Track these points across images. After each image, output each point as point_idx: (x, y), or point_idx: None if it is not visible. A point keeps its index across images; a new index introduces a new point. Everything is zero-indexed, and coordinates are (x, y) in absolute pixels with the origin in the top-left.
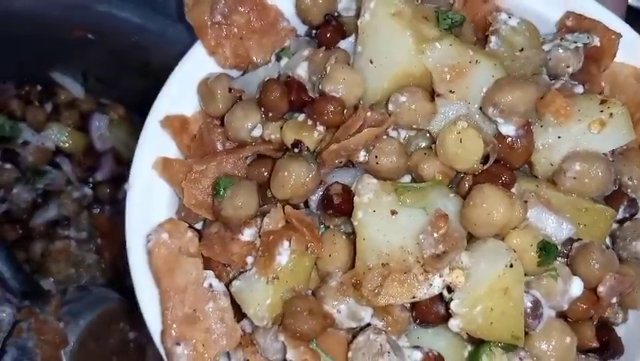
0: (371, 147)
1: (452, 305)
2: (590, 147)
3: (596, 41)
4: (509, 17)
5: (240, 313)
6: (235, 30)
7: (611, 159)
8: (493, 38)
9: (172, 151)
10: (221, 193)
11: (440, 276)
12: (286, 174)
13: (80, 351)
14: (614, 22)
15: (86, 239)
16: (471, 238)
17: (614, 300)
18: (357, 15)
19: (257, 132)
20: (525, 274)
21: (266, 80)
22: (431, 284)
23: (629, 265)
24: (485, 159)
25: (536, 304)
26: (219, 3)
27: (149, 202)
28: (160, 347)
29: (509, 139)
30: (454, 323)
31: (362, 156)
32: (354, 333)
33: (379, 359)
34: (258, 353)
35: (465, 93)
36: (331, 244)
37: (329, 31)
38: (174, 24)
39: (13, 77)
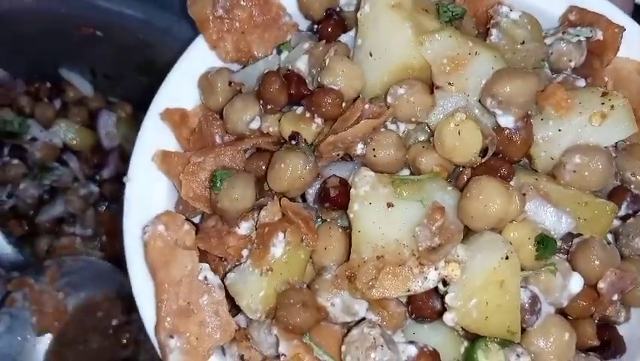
0: (369, 140)
1: (447, 298)
2: (590, 140)
3: (599, 35)
4: (511, 10)
5: (235, 309)
6: (237, 24)
7: (614, 155)
8: (494, 31)
9: (171, 144)
10: (218, 185)
11: (436, 269)
12: (283, 166)
13: (73, 323)
14: (618, 15)
15: (92, 236)
16: (468, 232)
17: (616, 297)
18: (358, 9)
19: (255, 125)
20: (523, 269)
21: (265, 72)
22: (426, 277)
23: (632, 262)
24: (484, 151)
25: (534, 299)
26: None
27: (147, 195)
28: (154, 339)
29: (508, 131)
30: (448, 317)
31: (360, 148)
32: (349, 328)
33: (372, 353)
34: (253, 348)
35: (464, 85)
36: (327, 237)
37: (330, 26)
38: (180, 21)
39: (23, 74)
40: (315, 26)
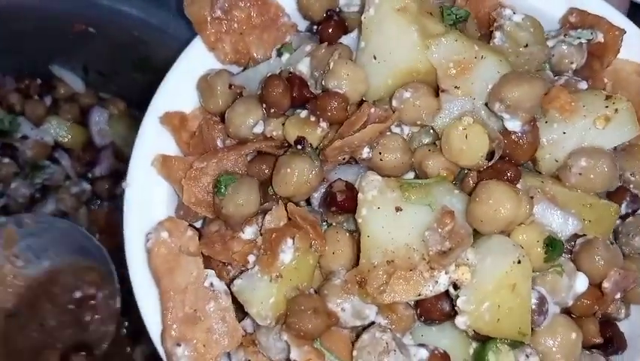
0: (375, 144)
1: (459, 302)
2: (595, 142)
3: (600, 37)
4: (513, 13)
5: (240, 313)
6: (235, 25)
7: (614, 155)
8: (497, 34)
9: (171, 148)
10: (222, 191)
11: (446, 273)
12: (289, 170)
13: (30, 299)
14: (618, 18)
15: None
16: (476, 235)
17: (619, 296)
18: (360, 11)
19: (258, 129)
20: (532, 271)
21: (268, 75)
22: (437, 281)
23: (632, 260)
24: (490, 155)
25: (542, 300)
26: None
27: (147, 200)
28: (159, 347)
29: (514, 135)
30: (460, 321)
31: (366, 152)
32: (358, 332)
33: (385, 358)
34: (260, 353)
35: (470, 89)
36: (335, 242)
37: (331, 27)
38: (176, 18)
39: (13, 71)
40: (315, 27)
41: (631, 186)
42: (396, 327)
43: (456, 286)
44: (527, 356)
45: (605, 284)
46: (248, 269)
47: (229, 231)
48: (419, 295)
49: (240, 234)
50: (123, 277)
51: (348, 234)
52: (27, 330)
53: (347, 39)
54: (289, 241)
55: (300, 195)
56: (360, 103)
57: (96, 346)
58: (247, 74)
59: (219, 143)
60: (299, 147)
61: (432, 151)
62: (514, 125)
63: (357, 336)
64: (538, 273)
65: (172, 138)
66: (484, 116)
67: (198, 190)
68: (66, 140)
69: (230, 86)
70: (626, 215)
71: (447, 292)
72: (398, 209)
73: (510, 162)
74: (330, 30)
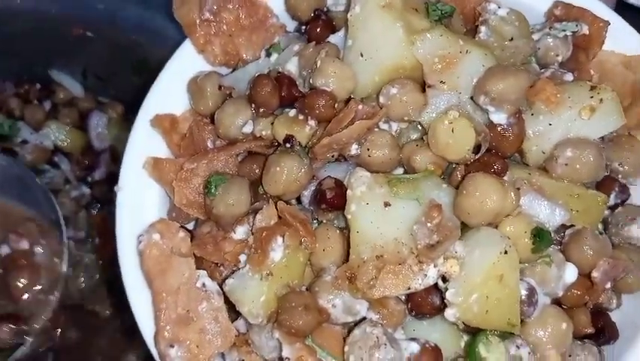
0: (363, 140)
1: (448, 295)
2: (581, 133)
3: (585, 29)
4: (498, 7)
5: (233, 313)
6: (224, 27)
7: (601, 145)
8: (482, 28)
9: (162, 151)
10: (212, 191)
11: (435, 266)
12: (278, 169)
13: None
14: (602, 10)
15: (84, 239)
16: (464, 228)
17: (609, 285)
18: (347, 9)
19: (248, 129)
20: (520, 262)
21: (256, 75)
22: (426, 275)
23: (622, 250)
24: (477, 148)
25: (531, 291)
26: (208, 0)
27: (139, 203)
28: (153, 349)
29: (500, 127)
30: (450, 313)
31: (354, 149)
32: (350, 328)
33: (376, 352)
34: (253, 352)
35: (456, 83)
36: (325, 239)
37: (319, 26)
38: (172, 21)
39: (12, 76)
40: (303, 27)
41: (619, 176)
42: (388, 322)
43: (445, 279)
44: (518, 347)
45: (595, 274)
46: (239, 269)
47: (221, 232)
48: (409, 288)
49: (231, 234)
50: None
51: (338, 231)
52: None
53: (335, 38)
54: (279, 239)
55: (290, 194)
56: (348, 100)
57: (30, 319)
58: (236, 75)
59: (209, 144)
60: (288, 145)
61: (419, 146)
62: (499, 117)
63: (349, 332)
64: (527, 264)
65: (163, 141)
66: (470, 109)
67: (189, 191)
68: (65, 144)
69: (219, 87)
70: (615, 205)
71: (437, 285)
72: (387, 204)
73: (497, 154)
74: (317, 29)
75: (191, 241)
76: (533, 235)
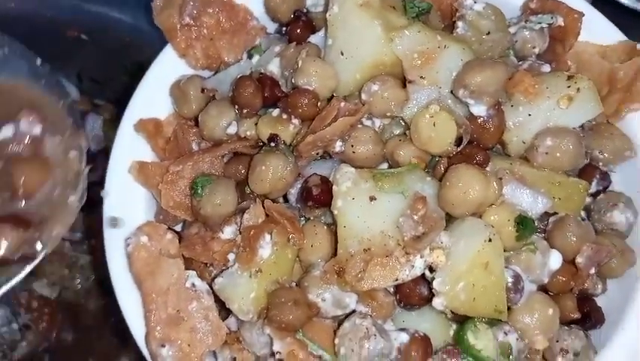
0: (347, 137)
1: (435, 284)
2: (560, 122)
3: (560, 21)
4: (475, 2)
5: (224, 312)
6: (205, 31)
7: (581, 134)
8: (459, 24)
9: (147, 155)
10: (199, 192)
11: (421, 257)
12: (264, 168)
13: None
14: (576, 1)
15: (80, 240)
16: (450, 219)
17: (593, 271)
18: (326, 10)
19: (232, 130)
20: (505, 250)
21: (238, 77)
22: (413, 265)
23: (605, 235)
24: (459, 140)
25: (517, 278)
26: (187, 5)
27: (126, 207)
28: (145, 350)
29: (481, 119)
30: (437, 302)
31: (338, 146)
32: (340, 321)
33: (365, 343)
34: (245, 349)
35: (435, 78)
36: (313, 235)
37: (299, 27)
38: None
39: None
40: (284, 29)
41: (600, 163)
42: (378, 314)
43: (432, 269)
44: (506, 334)
45: (579, 259)
46: (228, 268)
47: (209, 232)
48: (396, 279)
49: (219, 234)
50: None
51: (325, 227)
52: None
53: (315, 38)
54: (267, 236)
55: (276, 192)
56: (331, 99)
57: (43, 224)
58: (218, 77)
59: (194, 146)
60: (272, 144)
61: (402, 141)
62: (479, 110)
63: (339, 325)
64: (512, 252)
65: (148, 145)
66: (451, 103)
67: (176, 194)
68: None
69: (202, 90)
70: (597, 192)
71: (424, 276)
72: (372, 198)
73: (478, 146)
74: (298, 30)
75: (180, 242)
76: (517, 222)
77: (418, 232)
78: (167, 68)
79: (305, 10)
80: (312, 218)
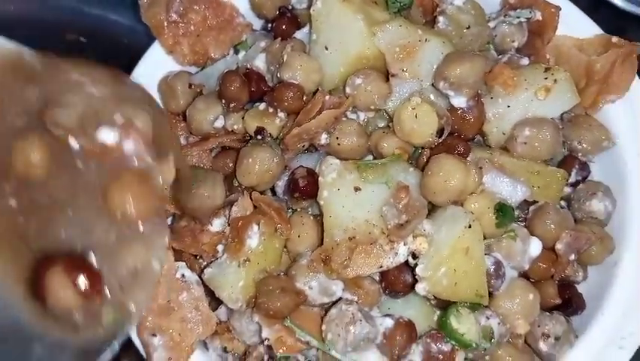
0: (332, 130)
1: (418, 270)
2: (538, 113)
3: (538, 15)
4: None
5: (214, 303)
6: (192, 28)
7: (561, 126)
8: (440, 18)
9: None
10: None
11: (405, 244)
12: (251, 160)
13: None
14: None
15: None
16: (432, 208)
17: (572, 257)
18: (310, 6)
19: (219, 124)
20: (485, 237)
21: (225, 72)
22: (397, 253)
23: (585, 224)
24: (440, 132)
25: (498, 265)
26: (174, 2)
27: None
28: (136, 339)
29: (461, 111)
30: (420, 287)
31: (324, 138)
32: (327, 308)
33: (351, 328)
34: (235, 339)
35: (417, 71)
36: (300, 226)
37: (284, 23)
38: None
39: None
40: (269, 25)
41: (579, 154)
42: (364, 302)
43: (415, 256)
44: (487, 318)
45: (558, 246)
46: (217, 259)
47: (198, 225)
48: (381, 266)
49: (208, 227)
50: None
51: (312, 218)
52: None
53: (300, 34)
54: (255, 226)
55: (263, 184)
56: (316, 92)
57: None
58: (206, 72)
59: (183, 140)
60: (259, 137)
61: (386, 133)
62: (459, 101)
63: (327, 313)
64: (493, 239)
65: None
66: (432, 95)
67: None
68: None
69: (190, 85)
70: (577, 182)
71: (408, 264)
72: (357, 189)
73: (459, 137)
74: (283, 26)
75: (170, 235)
76: (497, 210)
77: (401, 220)
78: (155, 64)
79: (290, 7)
80: (299, 209)
